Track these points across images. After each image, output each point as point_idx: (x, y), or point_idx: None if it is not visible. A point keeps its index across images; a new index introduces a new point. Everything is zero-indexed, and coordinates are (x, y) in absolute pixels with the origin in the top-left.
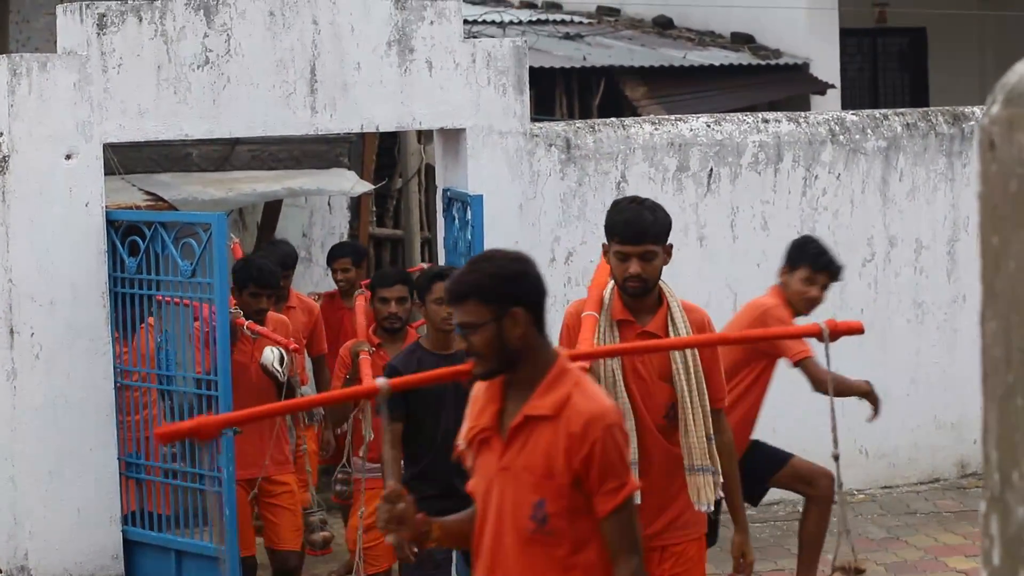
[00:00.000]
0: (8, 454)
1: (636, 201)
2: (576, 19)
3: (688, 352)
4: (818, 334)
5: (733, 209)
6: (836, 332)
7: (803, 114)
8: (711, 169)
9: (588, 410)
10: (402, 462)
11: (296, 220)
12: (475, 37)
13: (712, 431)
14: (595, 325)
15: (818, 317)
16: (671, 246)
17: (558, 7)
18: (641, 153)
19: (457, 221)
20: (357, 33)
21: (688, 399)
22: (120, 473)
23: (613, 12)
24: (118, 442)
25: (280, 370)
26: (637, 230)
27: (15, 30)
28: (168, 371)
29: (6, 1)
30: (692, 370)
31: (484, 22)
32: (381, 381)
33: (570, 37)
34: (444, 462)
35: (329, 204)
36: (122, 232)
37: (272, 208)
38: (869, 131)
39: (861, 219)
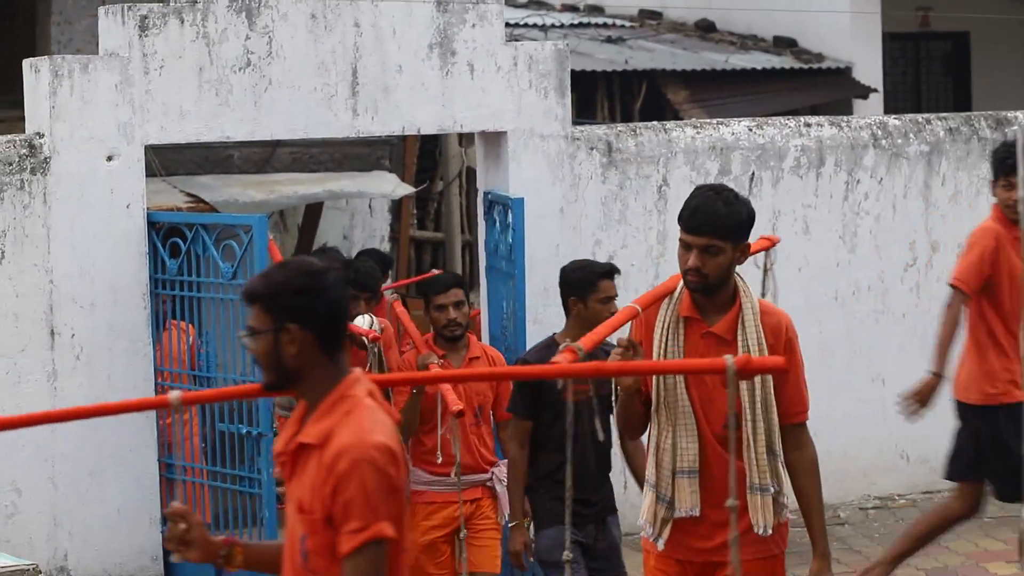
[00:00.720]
0: (48, 455)
1: (715, 190)
2: (618, 22)
3: (758, 350)
4: (722, 371)
5: (775, 213)
6: (748, 370)
7: (845, 118)
8: (753, 173)
9: (342, 442)
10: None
11: (337, 223)
12: (517, 40)
13: (780, 447)
14: (628, 317)
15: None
16: (747, 246)
17: (600, 10)
18: (683, 157)
19: (498, 224)
20: (399, 35)
21: (750, 410)
22: (160, 474)
23: (655, 15)
24: (158, 444)
25: (366, 339)
26: (701, 220)
27: (56, 32)
28: (208, 372)
29: (48, 3)
30: (757, 379)
31: (526, 25)
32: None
33: (612, 40)
34: (580, 465)
35: (370, 207)
36: (163, 234)
37: (313, 210)
38: (912, 135)
39: (903, 223)
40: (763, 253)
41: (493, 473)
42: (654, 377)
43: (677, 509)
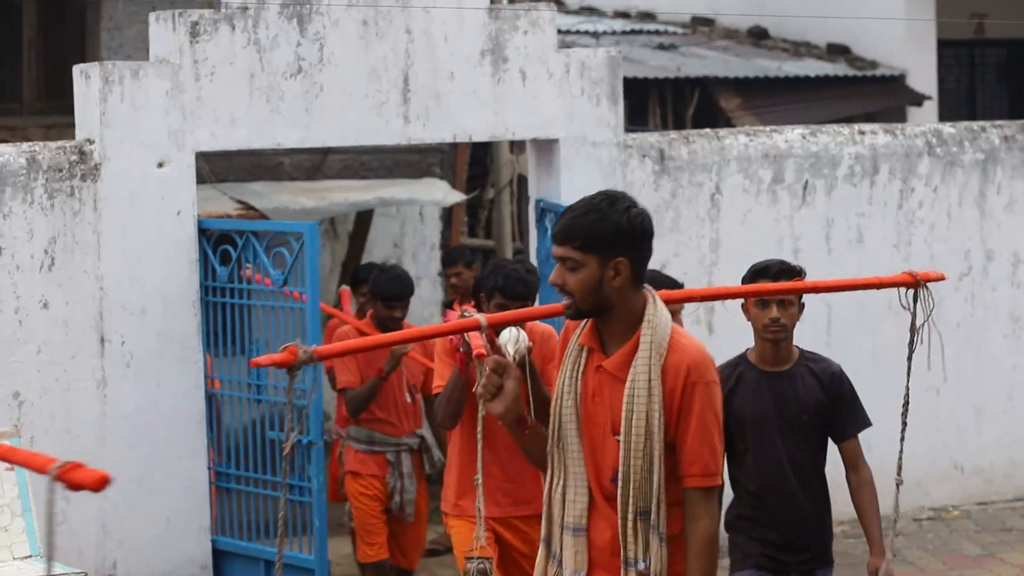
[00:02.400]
0: (97, 462)
1: (601, 195)
2: (670, 29)
3: (646, 395)
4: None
5: (828, 222)
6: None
7: (900, 126)
8: (806, 181)
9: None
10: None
11: (388, 230)
12: (569, 47)
13: (661, 515)
14: (549, 312)
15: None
16: (623, 263)
17: (652, 17)
18: (736, 165)
19: (550, 232)
20: (450, 42)
21: (623, 465)
22: (209, 482)
23: (708, 22)
24: (208, 451)
25: (511, 352)
26: (559, 228)
27: (107, 38)
28: (259, 380)
29: (98, 9)
30: (638, 428)
31: (578, 32)
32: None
33: (664, 47)
34: (778, 498)
35: (421, 214)
36: (214, 241)
37: (364, 218)
38: (966, 143)
39: (958, 232)
40: (906, 292)
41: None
42: (551, 413)
43: (564, 570)
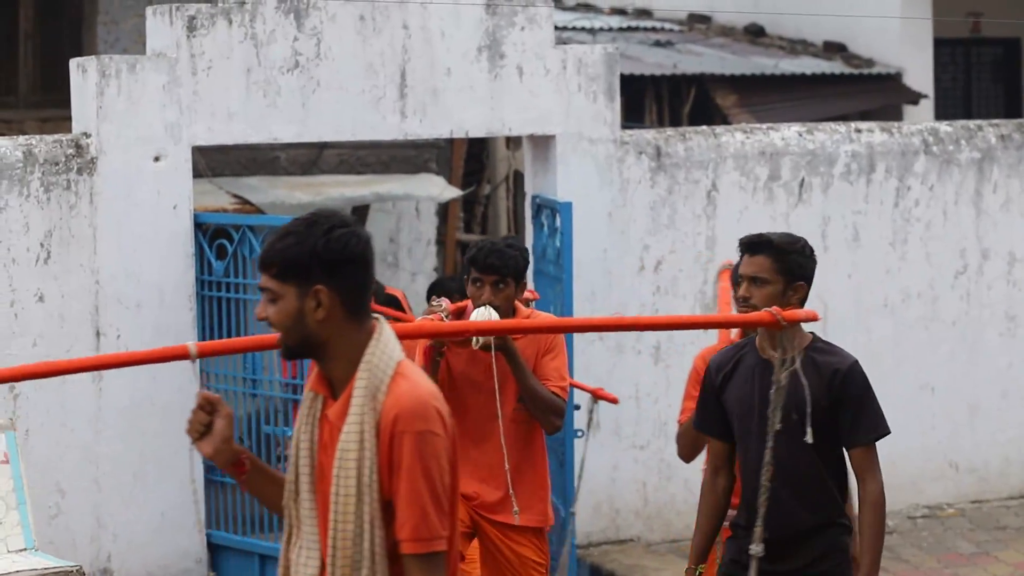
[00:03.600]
0: (92, 456)
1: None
2: (667, 26)
3: (356, 448)
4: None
5: (824, 219)
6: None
7: (896, 124)
8: (803, 179)
9: None
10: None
11: (383, 225)
12: (566, 43)
13: None
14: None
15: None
16: (321, 291)
17: (649, 14)
18: (732, 162)
19: (546, 228)
20: (447, 38)
21: (331, 532)
22: (205, 476)
23: (704, 19)
24: None
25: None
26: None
27: (104, 31)
28: (255, 375)
29: (95, 3)
30: (356, 481)
31: (575, 28)
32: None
33: (661, 44)
34: (768, 503)
35: (417, 209)
36: (209, 235)
37: (360, 213)
38: (963, 142)
39: (954, 231)
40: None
41: None
42: (288, 465)
43: None
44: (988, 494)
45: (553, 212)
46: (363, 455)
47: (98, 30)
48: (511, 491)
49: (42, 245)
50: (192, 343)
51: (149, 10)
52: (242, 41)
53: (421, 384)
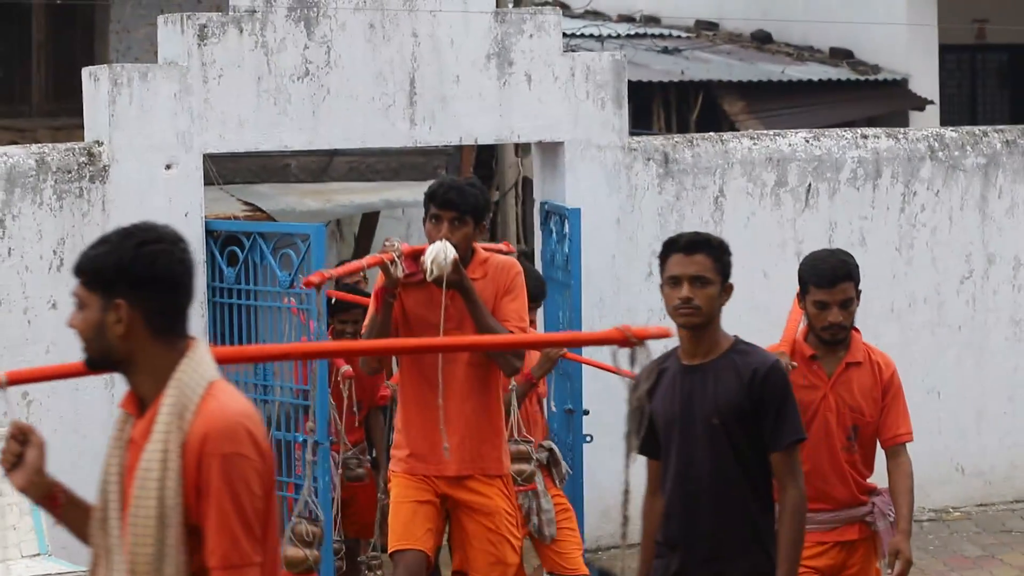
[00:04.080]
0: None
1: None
2: (674, 33)
3: (159, 470)
4: None
5: (831, 225)
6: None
7: (902, 130)
8: (809, 184)
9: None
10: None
11: (394, 232)
12: (574, 51)
13: None
14: None
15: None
16: (120, 304)
17: (656, 21)
18: (739, 168)
19: (555, 234)
20: (457, 46)
21: (136, 554)
22: None
23: (712, 26)
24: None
25: (429, 268)
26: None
27: (115, 40)
28: (265, 380)
29: (106, 11)
30: (157, 504)
31: (583, 36)
32: None
33: (668, 51)
34: (683, 519)
35: None
36: (221, 242)
37: (370, 220)
38: (968, 148)
39: (959, 236)
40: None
41: (875, 504)
42: (97, 489)
43: None
44: (994, 498)
45: (562, 218)
46: (166, 476)
47: (110, 39)
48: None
49: (55, 253)
50: (3, 372)
51: (160, 19)
52: (253, 49)
53: (232, 404)
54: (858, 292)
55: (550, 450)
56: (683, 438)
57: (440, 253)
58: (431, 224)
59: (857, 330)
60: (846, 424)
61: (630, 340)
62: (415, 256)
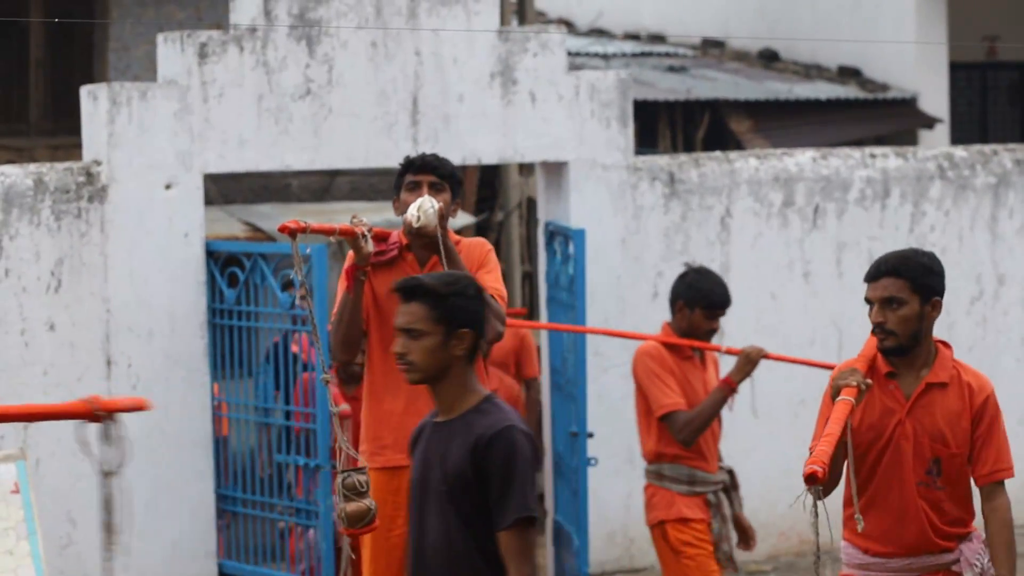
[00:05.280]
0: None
1: None
2: (680, 51)
3: None
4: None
5: (839, 245)
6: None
7: (911, 149)
8: (817, 204)
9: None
10: None
11: None
12: (579, 69)
13: None
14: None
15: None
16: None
17: (662, 39)
18: (746, 188)
19: (559, 255)
20: (460, 64)
21: None
22: (217, 506)
23: (718, 45)
24: (215, 475)
25: (411, 221)
26: None
27: (115, 58)
28: (266, 403)
29: (105, 30)
30: None
31: (587, 54)
32: None
33: (674, 70)
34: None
35: None
36: (221, 263)
37: None
38: (978, 167)
39: (970, 256)
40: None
41: (962, 552)
42: None
43: None
44: (1018, 518)
45: (566, 239)
46: None
47: (109, 57)
48: None
49: (52, 273)
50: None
51: (160, 37)
52: (253, 68)
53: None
54: (927, 298)
55: (730, 471)
56: (418, 504)
57: (426, 201)
58: (407, 192)
59: (947, 345)
60: (925, 456)
61: (97, 414)
62: (382, 238)
